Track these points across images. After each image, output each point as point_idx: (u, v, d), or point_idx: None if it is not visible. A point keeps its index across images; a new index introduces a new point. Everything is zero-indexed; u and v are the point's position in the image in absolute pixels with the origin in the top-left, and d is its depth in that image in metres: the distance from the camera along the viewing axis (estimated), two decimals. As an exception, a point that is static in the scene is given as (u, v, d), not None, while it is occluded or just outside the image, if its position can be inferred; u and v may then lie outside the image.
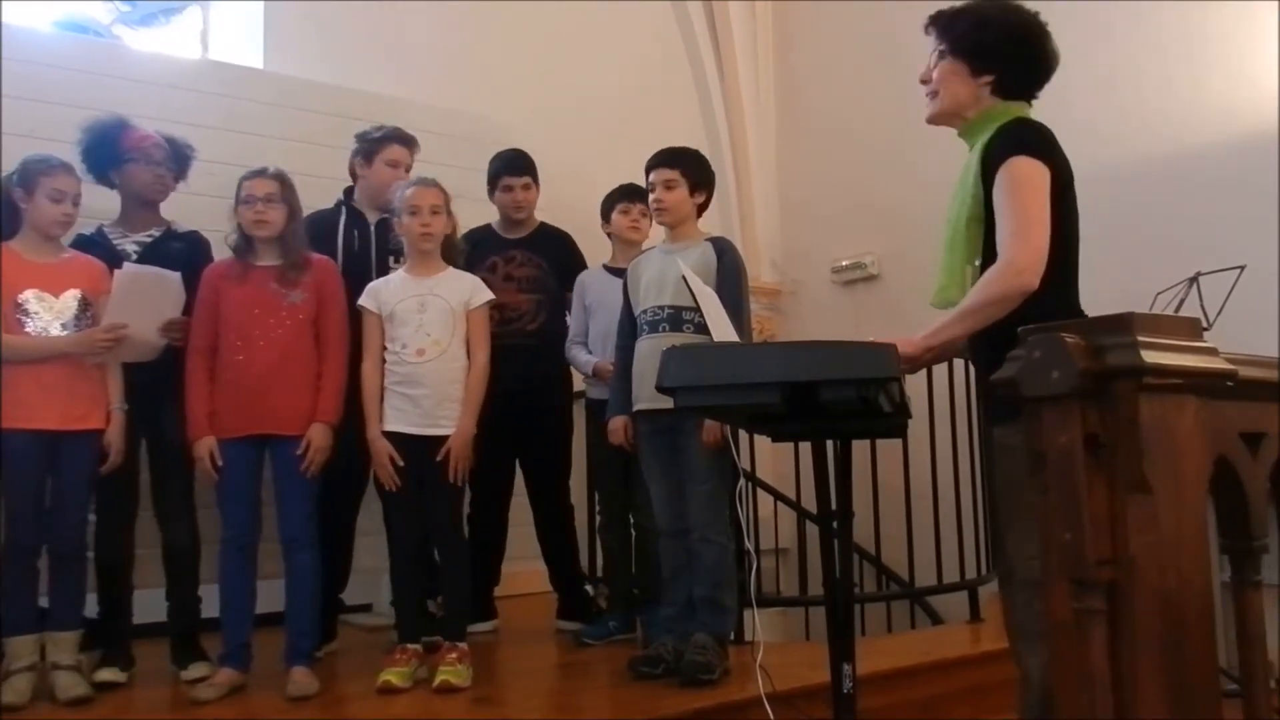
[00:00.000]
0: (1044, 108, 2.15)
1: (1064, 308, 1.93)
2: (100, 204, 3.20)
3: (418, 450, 2.99)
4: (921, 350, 2.06)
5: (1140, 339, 1.20)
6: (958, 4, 2.19)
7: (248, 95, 4.17)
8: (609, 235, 3.76)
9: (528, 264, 3.76)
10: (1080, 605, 1.20)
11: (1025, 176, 1.98)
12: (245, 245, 3.03)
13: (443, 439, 2.98)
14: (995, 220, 2.00)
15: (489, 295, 3.13)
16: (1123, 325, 1.22)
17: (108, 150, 3.12)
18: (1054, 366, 1.22)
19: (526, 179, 3.80)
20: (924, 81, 2.21)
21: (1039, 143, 2.02)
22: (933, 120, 2.22)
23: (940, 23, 2.19)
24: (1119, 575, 1.19)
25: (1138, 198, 4.30)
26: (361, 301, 3.07)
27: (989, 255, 2.01)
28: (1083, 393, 1.21)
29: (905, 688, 3.10)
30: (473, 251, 3.47)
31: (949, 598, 4.18)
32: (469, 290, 3.09)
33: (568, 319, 3.83)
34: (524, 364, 3.52)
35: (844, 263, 5.80)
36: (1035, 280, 1.93)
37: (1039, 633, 1.79)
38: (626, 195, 3.69)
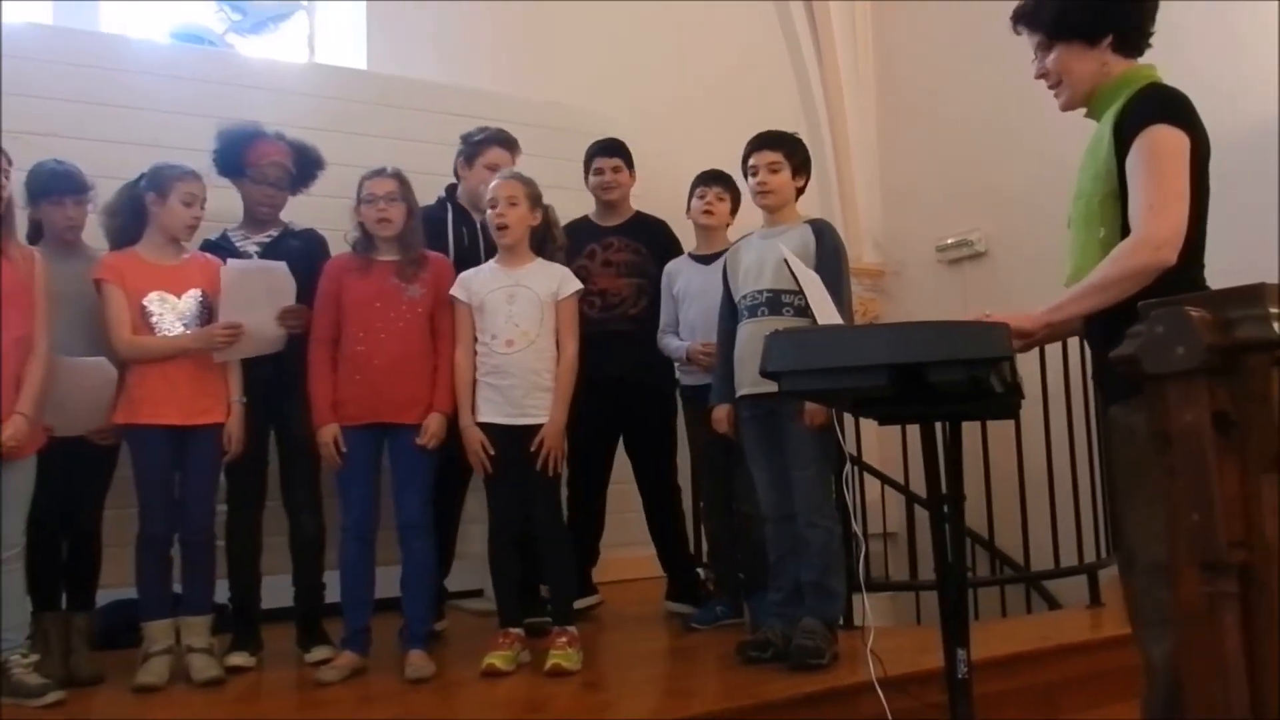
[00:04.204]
0: (1167, 71, 2.05)
1: (1187, 285, 1.83)
2: (225, 207, 3.34)
3: (510, 439, 3.03)
4: (1040, 327, 1.99)
5: (1273, 311, 1.15)
6: None
7: (353, 96, 4.28)
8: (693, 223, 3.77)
9: (625, 249, 3.80)
10: (1212, 589, 1.16)
11: (1166, 146, 1.87)
12: (366, 242, 3.12)
13: (533, 428, 3.02)
14: (1129, 190, 1.89)
15: (577, 285, 3.15)
16: (1254, 297, 1.17)
17: (232, 159, 3.26)
18: (1178, 342, 1.17)
19: (617, 161, 3.85)
20: (1041, 77, 2.11)
21: (1180, 110, 1.91)
22: (1068, 109, 2.12)
23: (1026, 17, 2.10)
24: (1254, 558, 1.14)
25: (1266, 163, 4.08)
26: (453, 291, 3.11)
27: (1127, 231, 1.90)
28: (1210, 369, 1.16)
29: (1022, 673, 3.03)
30: (571, 242, 3.50)
31: (1067, 582, 4.06)
32: (558, 281, 3.12)
33: None
34: (627, 349, 3.55)
35: (949, 241, 5.66)
36: (1173, 256, 1.84)
37: (1163, 619, 1.73)
38: (701, 181, 3.70)
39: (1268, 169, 3.99)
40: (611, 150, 3.88)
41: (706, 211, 3.66)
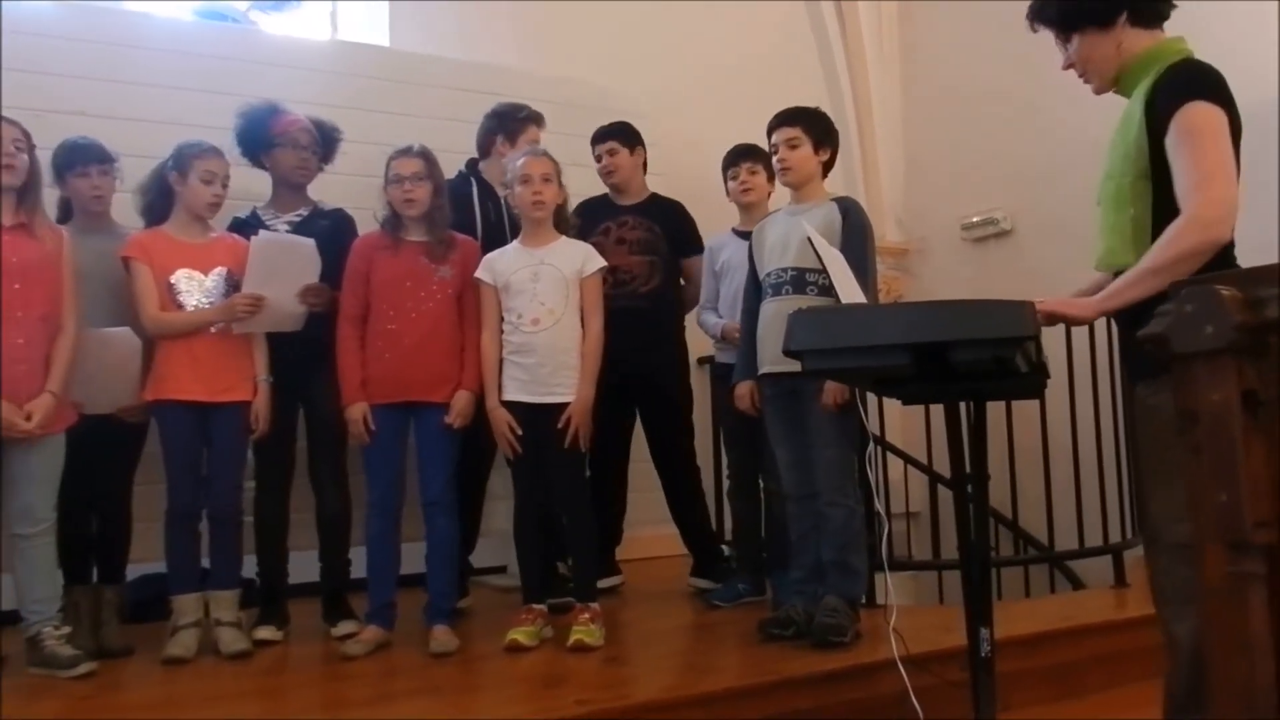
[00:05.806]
0: (1191, 44, 2.01)
1: (1220, 263, 1.80)
2: (253, 186, 3.36)
3: (535, 418, 3.04)
4: (1097, 315, 1.97)
5: (1303, 290, 1.14)
6: None
7: (375, 73, 4.28)
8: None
9: (639, 227, 3.82)
10: (1236, 569, 1.15)
11: (1204, 122, 1.83)
12: (395, 220, 3.12)
13: (559, 406, 3.03)
14: (1171, 171, 1.85)
15: (601, 262, 3.16)
16: (1283, 275, 1.16)
17: (258, 135, 3.28)
18: (1207, 321, 1.16)
19: (610, 144, 3.86)
20: (1069, 68, 2.09)
21: (1214, 85, 1.87)
22: (1101, 92, 2.09)
23: (1041, 16, 2.08)
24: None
25: (1266, 151, 4.00)
26: (478, 274, 3.11)
27: (1159, 211, 1.88)
28: (1239, 348, 1.15)
29: (1045, 653, 3.03)
30: (588, 218, 3.51)
31: (1091, 562, 4.04)
32: (581, 258, 3.12)
33: (681, 286, 3.86)
34: (639, 327, 3.55)
35: (974, 219, 5.61)
36: (1228, 232, 1.81)
37: (1187, 598, 1.72)
38: (731, 161, 3.70)
39: (1268, 156, 3.93)
40: (601, 136, 3.89)
41: (745, 190, 3.65)
